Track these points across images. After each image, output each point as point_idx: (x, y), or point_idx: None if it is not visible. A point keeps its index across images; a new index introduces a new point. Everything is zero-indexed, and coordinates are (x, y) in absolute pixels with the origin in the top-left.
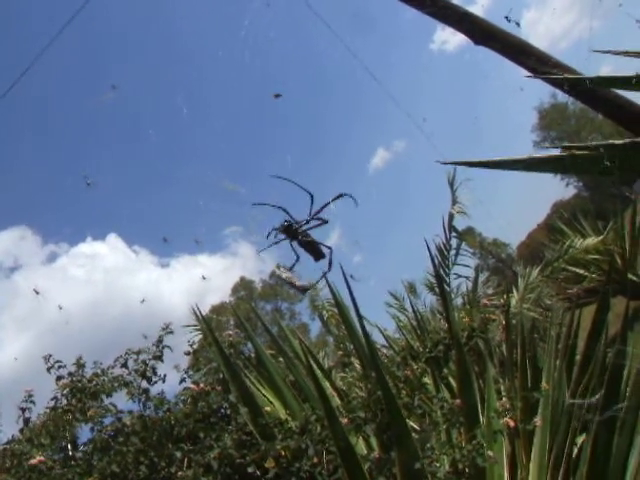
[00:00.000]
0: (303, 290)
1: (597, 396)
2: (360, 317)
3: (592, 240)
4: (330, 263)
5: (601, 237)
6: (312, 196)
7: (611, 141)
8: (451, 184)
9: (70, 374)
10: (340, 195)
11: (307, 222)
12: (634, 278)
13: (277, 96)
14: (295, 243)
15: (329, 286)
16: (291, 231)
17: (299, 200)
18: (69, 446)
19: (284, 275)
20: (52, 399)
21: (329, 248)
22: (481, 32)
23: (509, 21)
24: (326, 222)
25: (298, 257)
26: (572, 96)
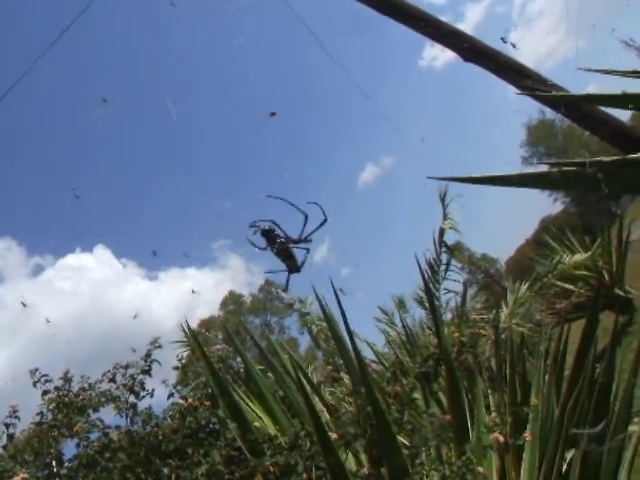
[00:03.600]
0: (302, 313)
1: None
2: (350, 332)
3: (580, 256)
4: (302, 263)
5: (589, 253)
6: (306, 216)
7: (600, 158)
8: (442, 199)
9: (57, 388)
10: (324, 221)
11: (292, 240)
12: (621, 293)
13: (272, 114)
14: (274, 251)
15: (319, 301)
16: (270, 237)
17: (286, 217)
18: (54, 462)
19: (287, 298)
20: (38, 414)
21: (307, 250)
22: (471, 50)
23: (505, 42)
24: (308, 250)
25: (289, 270)
26: (560, 113)
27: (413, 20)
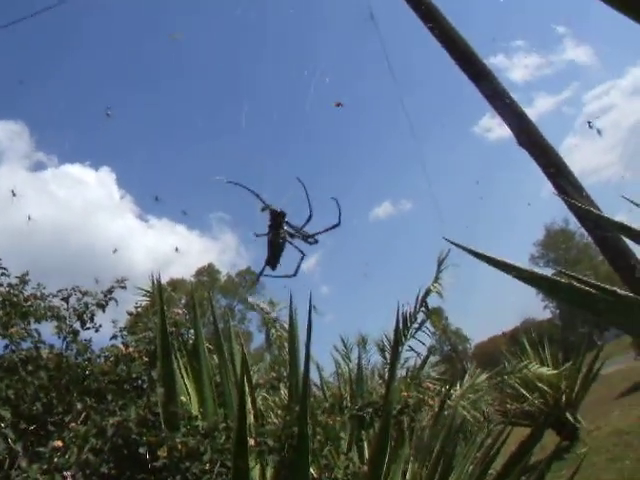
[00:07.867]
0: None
1: None
2: (308, 352)
3: (547, 370)
4: (298, 267)
5: (556, 371)
6: (311, 216)
7: (616, 288)
8: (440, 263)
9: (10, 285)
10: (336, 225)
11: (299, 233)
12: (571, 419)
13: (338, 105)
14: (271, 235)
15: (290, 311)
16: (277, 221)
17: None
18: None
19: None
20: None
21: (302, 254)
22: (529, 137)
23: (591, 127)
24: (303, 254)
25: (268, 263)
26: (586, 230)
27: (486, 81)
